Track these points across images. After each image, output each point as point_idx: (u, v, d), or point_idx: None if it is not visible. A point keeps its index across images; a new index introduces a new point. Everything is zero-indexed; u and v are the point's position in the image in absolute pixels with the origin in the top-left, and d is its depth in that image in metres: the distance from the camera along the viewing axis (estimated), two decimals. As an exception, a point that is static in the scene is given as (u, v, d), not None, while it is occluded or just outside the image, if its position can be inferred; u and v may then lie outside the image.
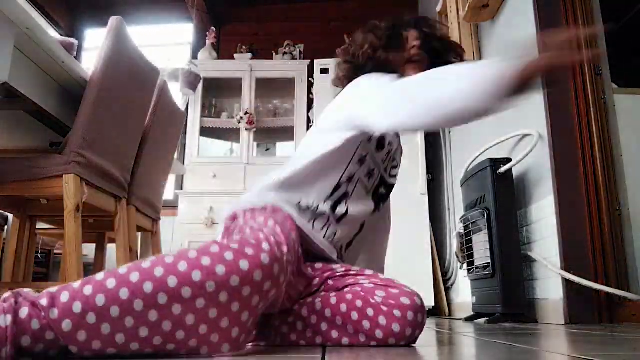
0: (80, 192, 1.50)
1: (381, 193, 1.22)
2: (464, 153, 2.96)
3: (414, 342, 0.97)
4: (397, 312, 0.95)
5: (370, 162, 1.16)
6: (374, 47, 1.20)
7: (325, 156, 1.10)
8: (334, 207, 1.11)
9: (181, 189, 3.81)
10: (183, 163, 3.75)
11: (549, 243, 1.95)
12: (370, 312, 0.96)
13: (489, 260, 2.08)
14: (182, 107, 3.04)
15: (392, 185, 1.28)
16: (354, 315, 0.97)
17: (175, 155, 2.44)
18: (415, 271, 3.03)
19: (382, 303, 0.96)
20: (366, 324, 0.96)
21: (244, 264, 0.74)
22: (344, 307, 0.98)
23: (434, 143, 3.59)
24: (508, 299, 1.99)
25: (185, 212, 3.60)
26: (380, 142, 1.16)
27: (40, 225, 2.02)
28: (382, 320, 0.95)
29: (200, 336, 0.74)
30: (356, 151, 1.13)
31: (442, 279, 3.23)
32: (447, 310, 3.14)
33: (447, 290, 3.23)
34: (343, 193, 1.12)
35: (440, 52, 1.22)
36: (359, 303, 0.97)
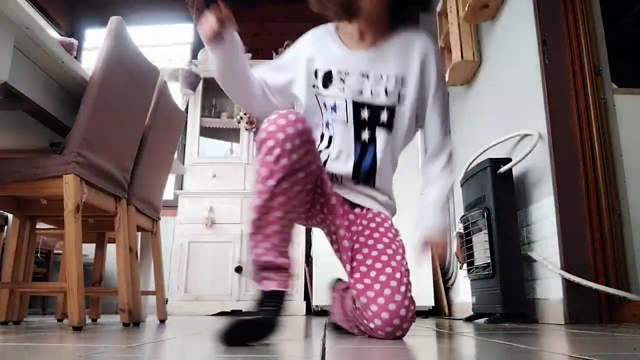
0: (80, 192, 1.50)
1: (363, 118, 1.21)
2: (464, 153, 2.96)
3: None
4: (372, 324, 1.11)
5: (327, 99, 1.24)
6: None
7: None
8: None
9: (181, 189, 3.81)
10: (183, 163, 3.75)
11: (549, 243, 1.95)
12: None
13: (489, 260, 2.08)
14: (182, 107, 3.05)
15: (381, 107, 1.21)
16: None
17: (175, 155, 2.43)
18: (416, 271, 3.01)
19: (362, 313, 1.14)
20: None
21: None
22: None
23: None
24: (508, 299, 1.99)
25: (185, 212, 3.60)
26: (326, 80, 1.24)
27: (40, 225, 2.02)
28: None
29: None
30: (316, 102, 1.25)
31: (442, 279, 3.23)
32: (447, 310, 3.14)
33: (447, 290, 3.22)
34: (328, 137, 1.25)
35: None
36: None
